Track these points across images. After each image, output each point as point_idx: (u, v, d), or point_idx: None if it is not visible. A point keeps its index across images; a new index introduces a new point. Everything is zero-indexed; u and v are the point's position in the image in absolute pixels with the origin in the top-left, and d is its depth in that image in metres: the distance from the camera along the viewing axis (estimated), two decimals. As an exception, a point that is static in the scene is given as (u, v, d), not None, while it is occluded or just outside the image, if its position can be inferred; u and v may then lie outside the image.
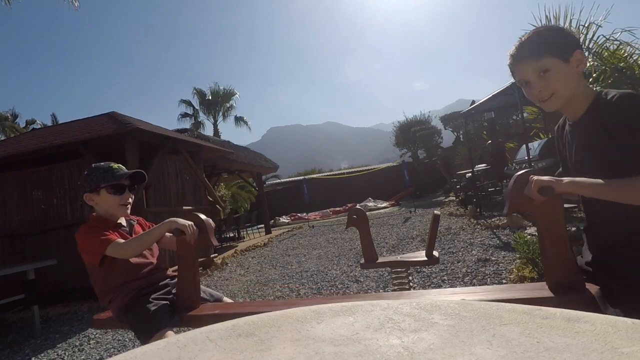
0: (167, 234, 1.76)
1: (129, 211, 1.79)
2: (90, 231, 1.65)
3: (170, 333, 1.54)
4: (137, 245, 1.61)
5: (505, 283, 3.42)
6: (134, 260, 1.68)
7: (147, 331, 1.55)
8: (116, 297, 1.67)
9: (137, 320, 1.61)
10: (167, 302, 1.69)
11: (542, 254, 1.34)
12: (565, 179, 1.23)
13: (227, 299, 1.96)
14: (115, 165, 1.75)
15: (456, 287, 3.51)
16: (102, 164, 1.75)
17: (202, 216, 1.65)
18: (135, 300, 1.65)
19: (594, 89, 1.30)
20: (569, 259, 1.27)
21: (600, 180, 1.18)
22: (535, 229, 4.99)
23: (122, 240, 1.61)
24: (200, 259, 7.09)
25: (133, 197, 1.79)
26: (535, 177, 1.25)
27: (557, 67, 1.22)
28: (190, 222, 1.63)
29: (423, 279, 3.96)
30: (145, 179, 1.79)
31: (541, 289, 1.33)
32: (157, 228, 1.65)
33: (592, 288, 1.25)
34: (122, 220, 1.81)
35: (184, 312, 1.65)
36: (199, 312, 1.64)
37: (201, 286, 1.81)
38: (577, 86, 1.25)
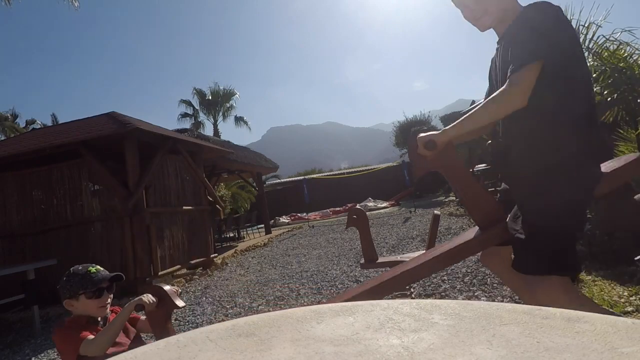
0: (142, 317, 1.75)
1: (107, 310, 1.78)
2: (65, 332, 1.65)
3: None
4: (106, 338, 1.59)
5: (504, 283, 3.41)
6: (109, 351, 1.66)
7: None
8: None
9: None
10: None
11: (462, 202, 1.45)
12: (443, 129, 1.32)
13: None
14: (93, 270, 1.73)
15: (456, 287, 3.51)
16: (80, 268, 1.73)
17: (165, 287, 1.64)
18: None
19: None
20: (481, 196, 1.34)
21: (471, 112, 1.26)
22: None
23: (92, 337, 1.60)
24: (200, 259, 7.10)
25: (111, 296, 1.78)
26: (418, 136, 1.34)
27: None
28: (146, 294, 1.63)
29: (423, 278, 3.96)
30: (123, 279, 1.80)
31: (474, 231, 1.40)
32: (119, 315, 1.64)
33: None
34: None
35: None
36: None
37: None
38: (509, 3, 1.31)
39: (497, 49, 1.39)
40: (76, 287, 1.68)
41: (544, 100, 1.15)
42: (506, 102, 1.16)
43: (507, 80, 1.15)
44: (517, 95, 1.13)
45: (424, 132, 1.35)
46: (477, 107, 1.23)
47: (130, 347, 1.77)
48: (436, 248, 1.50)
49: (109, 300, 1.76)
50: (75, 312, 1.73)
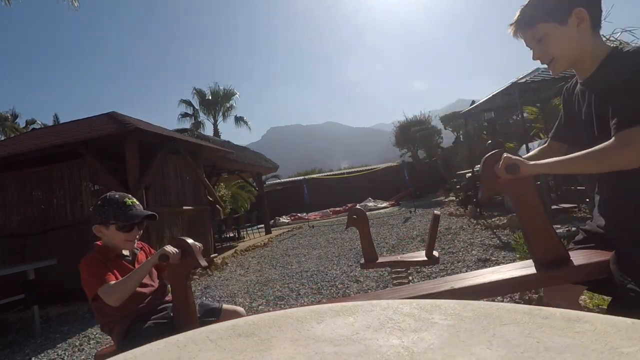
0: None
1: (135, 245, 1.76)
2: (92, 264, 1.61)
3: None
4: (125, 287, 1.53)
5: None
6: (137, 290, 1.63)
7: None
8: (115, 326, 1.64)
9: (135, 340, 1.56)
10: (166, 322, 1.66)
11: (523, 233, 1.34)
12: (533, 162, 1.23)
13: (228, 306, 1.93)
14: (129, 201, 1.69)
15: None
16: (117, 196, 1.69)
17: (189, 240, 1.59)
18: (133, 324, 1.63)
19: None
20: (549, 233, 1.27)
21: (568, 156, 1.16)
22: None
23: (113, 283, 1.54)
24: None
25: (141, 232, 1.75)
26: (505, 154, 1.25)
27: (552, 32, 1.19)
28: (169, 245, 1.59)
29: (423, 278, 3.96)
30: (156, 218, 1.76)
31: (528, 267, 1.33)
32: (145, 264, 1.60)
33: (603, 254, 1.24)
34: (126, 250, 1.77)
35: None
36: None
37: (198, 302, 1.76)
38: (583, 45, 1.19)
39: (580, 91, 1.28)
40: (108, 216, 1.64)
41: None
42: (616, 160, 1.08)
43: (616, 137, 1.07)
44: (630, 157, 1.06)
45: (507, 152, 1.26)
46: (579, 154, 1.13)
47: (156, 287, 1.75)
48: (483, 272, 1.40)
49: (138, 236, 1.73)
50: (103, 239, 1.71)
